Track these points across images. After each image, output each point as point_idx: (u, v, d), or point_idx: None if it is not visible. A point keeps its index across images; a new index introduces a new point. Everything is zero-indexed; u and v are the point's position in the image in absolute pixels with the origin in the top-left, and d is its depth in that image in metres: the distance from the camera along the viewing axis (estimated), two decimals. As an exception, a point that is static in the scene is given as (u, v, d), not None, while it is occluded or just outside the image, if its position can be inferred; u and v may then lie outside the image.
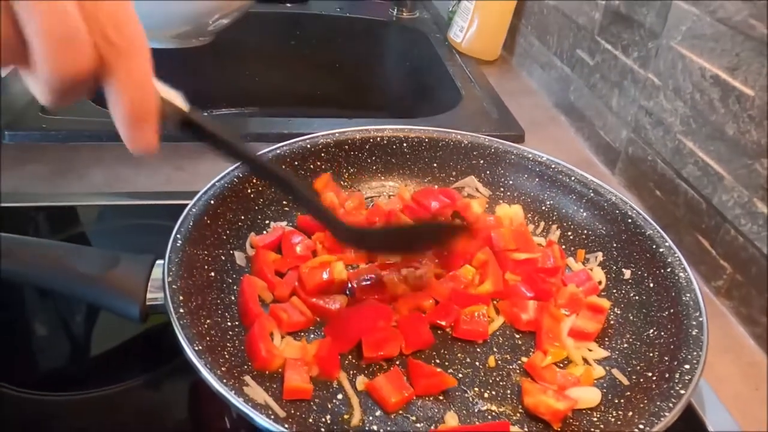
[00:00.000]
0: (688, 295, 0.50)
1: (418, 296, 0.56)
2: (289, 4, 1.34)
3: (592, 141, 0.90)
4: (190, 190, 0.58)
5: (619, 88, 0.82)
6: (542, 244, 0.65)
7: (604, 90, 0.86)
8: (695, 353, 0.44)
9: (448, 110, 0.96)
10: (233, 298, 0.55)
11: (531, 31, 1.13)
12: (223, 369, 0.44)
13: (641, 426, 0.39)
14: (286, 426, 0.41)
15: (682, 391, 0.41)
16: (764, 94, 0.57)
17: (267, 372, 0.48)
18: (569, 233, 0.65)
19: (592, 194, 0.64)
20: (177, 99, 0.38)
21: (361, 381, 0.49)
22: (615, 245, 0.61)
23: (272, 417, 0.41)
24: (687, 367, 0.44)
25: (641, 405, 0.44)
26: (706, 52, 0.65)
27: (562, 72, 1.00)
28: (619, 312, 0.57)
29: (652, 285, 0.56)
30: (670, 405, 0.40)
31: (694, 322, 0.48)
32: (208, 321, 0.49)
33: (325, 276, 0.56)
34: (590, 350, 0.54)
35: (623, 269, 0.59)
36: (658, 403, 0.41)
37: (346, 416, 0.46)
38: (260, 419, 0.39)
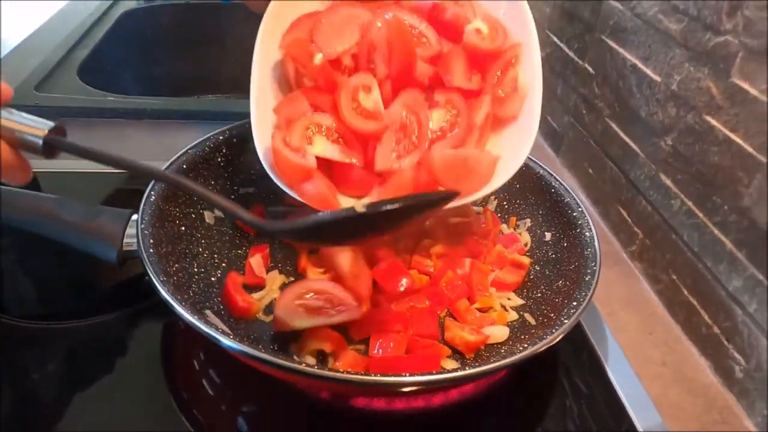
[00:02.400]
0: (590, 249, 0.59)
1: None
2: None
3: (542, 128, 0.98)
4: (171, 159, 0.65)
5: (563, 78, 0.90)
6: (480, 212, 0.73)
7: (551, 79, 0.94)
8: (584, 294, 0.53)
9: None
10: (200, 250, 0.63)
11: (496, 25, 1.20)
12: (186, 303, 0.52)
13: (525, 345, 0.47)
14: (239, 341, 0.48)
15: (566, 321, 0.50)
16: (668, 79, 0.65)
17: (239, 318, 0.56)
18: (504, 203, 0.74)
19: (524, 168, 0.72)
20: (35, 126, 0.42)
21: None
22: (541, 212, 0.69)
23: (230, 336, 0.48)
24: (575, 303, 0.52)
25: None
26: (627, 43, 0.73)
27: (519, 63, 1.07)
28: (538, 268, 0.65)
29: (565, 244, 0.64)
30: (554, 331, 0.48)
31: (589, 271, 0.56)
32: (176, 265, 0.57)
33: None
34: (509, 299, 0.62)
35: (546, 232, 0.68)
36: (546, 330, 0.49)
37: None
38: (214, 332, 0.46)
